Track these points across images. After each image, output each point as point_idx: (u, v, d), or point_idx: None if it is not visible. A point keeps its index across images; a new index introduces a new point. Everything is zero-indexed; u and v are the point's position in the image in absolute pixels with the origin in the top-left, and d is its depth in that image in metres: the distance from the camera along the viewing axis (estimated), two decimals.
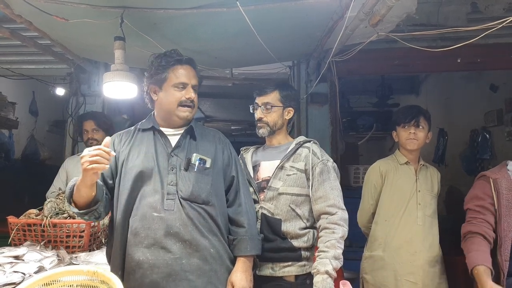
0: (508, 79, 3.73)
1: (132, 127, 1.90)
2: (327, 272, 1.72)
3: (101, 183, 1.69)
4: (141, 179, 1.70)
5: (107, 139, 1.53)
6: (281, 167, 1.95)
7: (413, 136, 2.43)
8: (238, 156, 2.07)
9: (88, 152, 1.47)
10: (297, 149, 1.98)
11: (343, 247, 1.81)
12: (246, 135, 6.30)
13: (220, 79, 3.66)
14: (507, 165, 2.14)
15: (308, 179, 1.92)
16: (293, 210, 1.90)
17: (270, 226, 1.90)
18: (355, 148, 4.55)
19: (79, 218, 1.71)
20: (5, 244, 2.58)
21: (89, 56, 3.43)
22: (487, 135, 3.90)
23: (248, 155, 2.11)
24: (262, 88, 2.07)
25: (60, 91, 4.28)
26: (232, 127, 5.93)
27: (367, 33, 2.56)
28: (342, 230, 1.82)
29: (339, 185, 1.94)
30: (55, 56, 3.33)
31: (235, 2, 2.13)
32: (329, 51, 3.06)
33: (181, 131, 1.81)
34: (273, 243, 1.88)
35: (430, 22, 3.01)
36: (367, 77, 4.73)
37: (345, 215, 1.86)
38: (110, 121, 3.07)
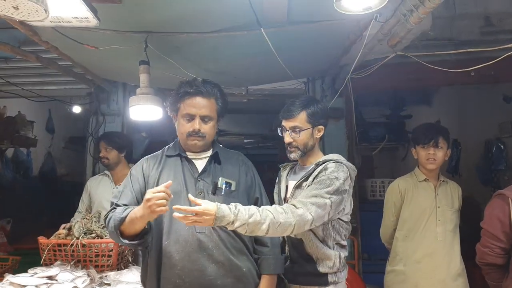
0: None
1: (159, 151, 1.96)
2: (229, 222, 1.51)
3: None
4: (171, 203, 1.71)
5: (169, 182, 1.61)
6: (298, 186, 1.91)
7: (432, 156, 2.48)
8: (277, 173, 2.10)
9: (154, 195, 1.54)
10: (315, 169, 1.89)
11: (267, 228, 1.57)
12: (259, 148, 6.39)
13: (236, 96, 3.73)
14: None
15: None
16: (313, 231, 1.84)
17: (294, 247, 1.90)
18: (370, 161, 4.59)
19: (127, 245, 1.76)
20: (31, 260, 2.64)
21: (109, 77, 3.53)
22: (502, 146, 3.92)
23: (285, 173, 2.08)
24: (287, 110, 1.92)
25: (76, 109, 4.38)
26: (245, 141, 6.02)
27: (382, 49, 2.61)
28: (287, 223, 1.60)
29: (328, 202, 1.71)
30: (76, 77, 3.43)
31: (255, 24, 2.21)
32: (344, 67, 3.12)
33: (206, 155, 1.87)
34: (299, 265, 1.87)
35: (444, 36, 3.03)
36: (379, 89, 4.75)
37: (306, 217, 1.64)
38: (124, 141, 3.17)
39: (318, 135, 1.96)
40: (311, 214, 1.66)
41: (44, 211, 5.18)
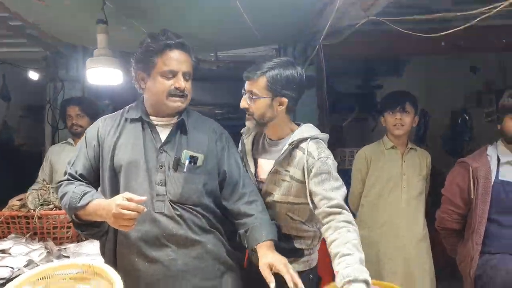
0: (487, 61, 3.81)
1: (120, 111, 1.73)
2: (366, 282, 1.33)
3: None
4: (128, 176, 1.58)
5: (144, 198, 1.42)
6: (274, 171, 1.70)
7: (399, 122, 2.48)
8: (240, 140, 1.89)
9: (122, 212, 1.38)
10: (291, 150, 1.67)
11: (360, 244, 1.46)
12: (229, 119, 6.24)
13: (204, 62, 3.58)
14: (486, 150, 2.11)
15: (306, 186, 1.63)
16: (291, 218, 1.72)
17: None
18: (339, 131, 4.60)
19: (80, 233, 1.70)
20: None
21: (66, 39, 3.27)
22: (467, 117, 4.00)
23: (249, 142, 1.84)
24: (250, 70, 1.67)
25: (33, 75, 4.07)
26: (216, 111, 5.86)
27: (355, 16, 2.54)
28: (356, 230, 1.49)
29: (343, 184, 1.60)
30: (29, 39, 3.15)
31: None
32: (317, 33, 3.03)
33: (173, 121, 1.66)
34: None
35: (417, 3, 3.00)
36: (350, 58, 4.71)
37: (352, 216, 1.54)
38: (96, 107, 2.98)
39: (279, 108, 1.67)
40: (346, 206, 1.54)
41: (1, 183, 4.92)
